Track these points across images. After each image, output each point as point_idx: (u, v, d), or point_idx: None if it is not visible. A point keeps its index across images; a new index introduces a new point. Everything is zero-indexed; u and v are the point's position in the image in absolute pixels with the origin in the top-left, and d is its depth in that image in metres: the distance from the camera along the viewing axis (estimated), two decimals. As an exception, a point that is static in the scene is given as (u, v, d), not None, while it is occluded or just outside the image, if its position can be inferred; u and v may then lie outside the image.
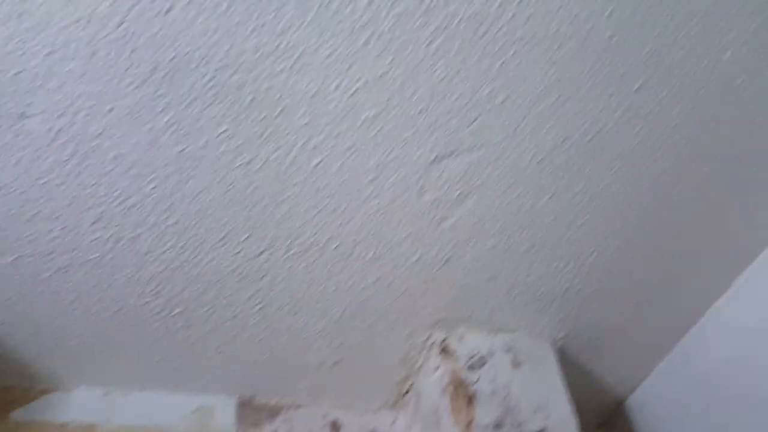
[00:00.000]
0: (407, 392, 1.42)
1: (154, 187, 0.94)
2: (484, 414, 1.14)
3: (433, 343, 1.29)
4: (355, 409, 1.44)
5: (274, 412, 1.37)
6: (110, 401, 1.29)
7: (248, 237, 1.01)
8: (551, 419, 1.17)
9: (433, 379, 1.27)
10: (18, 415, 1.22)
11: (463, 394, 1.17)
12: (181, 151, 0.89)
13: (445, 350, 1.25)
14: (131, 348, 1.22)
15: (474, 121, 0.93)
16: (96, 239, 0.99)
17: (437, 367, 1.26)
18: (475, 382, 1.19)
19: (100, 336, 1.16)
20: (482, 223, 1.09)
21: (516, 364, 1.26)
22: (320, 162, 0.93)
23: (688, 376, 1.40)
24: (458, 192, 1.03)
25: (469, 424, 1.12)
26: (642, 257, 1.20)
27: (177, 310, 1.14)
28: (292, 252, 1.05)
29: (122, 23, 0.76)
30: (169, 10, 0.76)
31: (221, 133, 0.88)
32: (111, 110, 0.85)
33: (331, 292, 1.15)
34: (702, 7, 0.83)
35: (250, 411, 1.36)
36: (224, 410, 1.34)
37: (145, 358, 1.24)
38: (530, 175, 1.03)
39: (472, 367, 1.22)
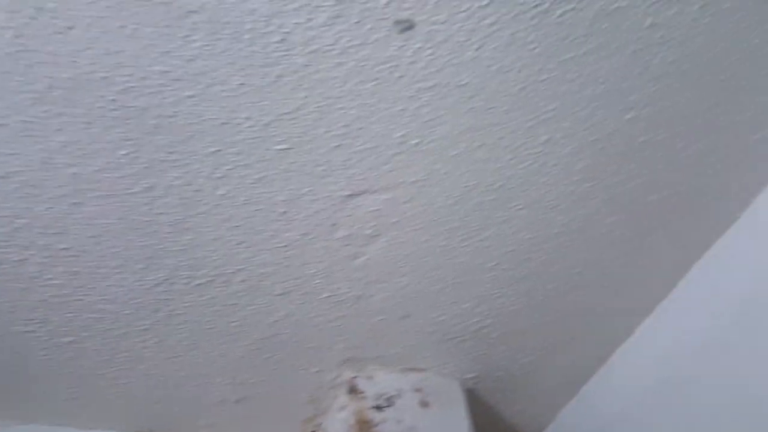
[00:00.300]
0: None
1: (46, 209, 0.88)
2: (388, 456, 1.12)
3: (341, 382, 1.27)
4: (259, 448, 1.39)
5: (170, 451, 1.30)
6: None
7: (146, 266, 0.96)
8: (455, 462, 1.17)
9: (338, 419, 1.24)
10: None
11: (367, 436, 1.14)
12: (76, 173, 0.84)
13: (353, 389, 1.23)
14: (14, 378, 1.12)
15: (388, 162, 0.94)
16: (-24, 260, 0.92)
17: (344, 407, 1.23)
18: (381, 423, 1.17)
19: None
20: (395, 262, 1.09)
21: (424, 404, 1.25)
22: (227, 192, 0.90)
23: (591, 421, 1.44)
24: (371, 230, 1.03)
25: (371, 467, 1.10)
26: (547, 303, 1.23)
27: (66, 339, 1.07)
28: (194, 284, 1.01)
29: (18, 37, 0.72)
30: (70, 28, 0.72)
31: (121, 156, 0.83)
32: (2, 126, 0.79)
33: (235, 327, 1.11)
34: (607, 68, 0.88)
35: (143, 449, 1.28)
36: (116, 447, 1.26)
37: (30, 390, 1.15)
38: (443, 217, 1.03)
39: (379, 407, 1.20)
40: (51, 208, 0.88)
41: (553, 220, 1.07)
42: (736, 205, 1.13)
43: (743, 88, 0.94)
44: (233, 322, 1.09)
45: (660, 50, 0.86)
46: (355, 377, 1.24)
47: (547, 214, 1.05)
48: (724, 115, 0.98)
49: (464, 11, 0.77)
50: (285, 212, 0.96)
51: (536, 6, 0.78)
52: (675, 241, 1.17)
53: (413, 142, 0.92)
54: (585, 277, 1.19)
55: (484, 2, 0.77)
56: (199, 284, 1.01)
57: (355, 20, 0.76)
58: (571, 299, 1.24)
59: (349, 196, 0.97)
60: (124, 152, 0.83)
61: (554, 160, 0.97)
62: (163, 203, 0.89)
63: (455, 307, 1.19)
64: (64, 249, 0.93)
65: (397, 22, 0.78)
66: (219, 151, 0.86)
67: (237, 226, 0.95)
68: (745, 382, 1.12)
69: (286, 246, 1.01)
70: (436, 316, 1.20)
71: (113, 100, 0.78)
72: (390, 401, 1.22)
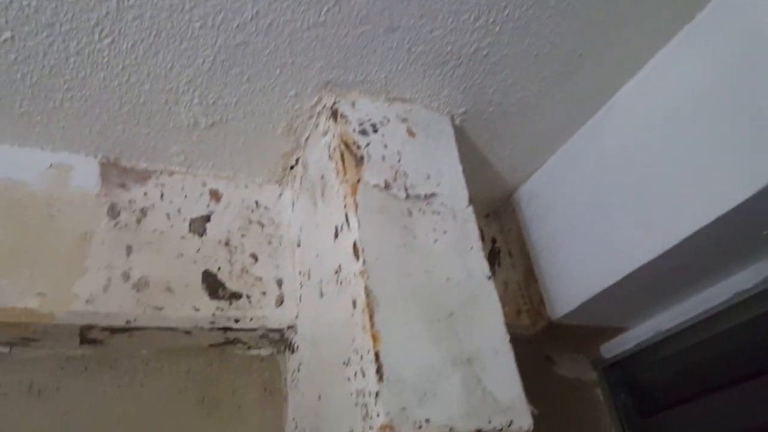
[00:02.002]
0: (294, 166, 1.32)
1: None
2: (373, 175, 1.06)
3: (323, 108, 1.17)
4: (237, 181, 1.34)
5: (143, 177, 1.24)
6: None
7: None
8: (442, 187, 1.13)
9: (321, 144, 1.17)
10: None
11: (351, 156, 1.08)
12: None
13: (335, 114, 1.14)
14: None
15: None
16: None
17: (326, 131, 1.15)
18: (366, 146, 1.10)
19: None
20: (383, -46, 0.92)
21: (411, 133, 1.17)
22: None
23: (581, 166, 1.39)
24: None
25: (356, 184, 1.05)
26: (558, 20, 1.09)
27: (4, 36, 0.93)
28: (142, -42, 0.84)
29: None
30: None
31: None
32: None
33: (197, 29, 0.96)
34: None
35: (116, 172, 1.22)
36: (85, 169, 1.19)
37: (-22, 105, 1.04)
38: None
39: (363, 132, 1.12)
40: None
41: None
42: None
43: None
44: (193, 21, 0.95)
45: None
46: (336, 102, 1.14)
47: None
48: None
49: None
50: None
51: None
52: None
53: None
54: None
55: None
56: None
57: None
58: (585, 18, 1.10)
59: None
60: None
61: None
62: None
63: (452, 20, 1.05)
64: None
65: None
66: None
67: None
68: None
69: None
70: (429, 31, 1.07)
71: None
72: (375, 128, 1.14)
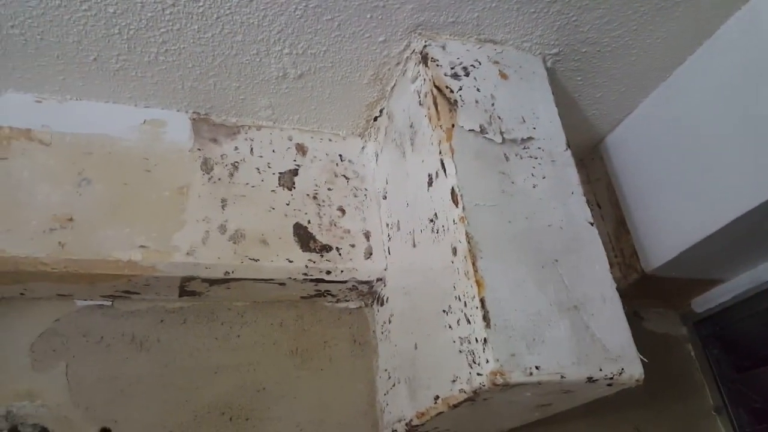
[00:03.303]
0: (378, 117, 1.30)
1: None
2: (467, 119, 1.03)
3: (411, 53, 1.14)
4: (321, 135, 1.33)
5: (233, 131, 1.25)
6: (45, 108, 1.14)
7: None
8: (538, 131, 1.08)
9: (410, 91, 1.14)
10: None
11: (444, 100, 1.05)
12: None
13: (425, 58, 1.10)
14: (59, 46, 1.03)
15: None
16: None
17: (416, 77, 1.12)
18: (459, 90, 1.07)
19: (23, 31, 0.96)
20: None
21: (503, 75, 1.13)
22: None
23: (675, 111, 1.31)
24: None
25: (450, 129, 1.02)
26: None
27: (103, -8, 0.93)
28: None
29: None
30: None
31: None
32: None
33: (292, -27, 0.94)
34: None
35: (207, 127, 1.23)
36: (177, 124, 1.21)
37: (79, 58, 1.06)
38: None
39: (455, 76, 1.09)
40: None
41: None
42: None
43: None
44: (289, -36, 0.93)
45: None
46: (426, 46, 1.10)
47: None
48: None
49: None
50: None
51: None
52: None
53: None
54: None
55: None
56: None
57: None
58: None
59: None
60: None
61: None
62: None
63: (549, -49, 0.99)
64: None
65: None
66: None
67: None
68: None
69: None
70: (525, -35, 1.01)
71: None
72: (466, 71, 1.10)
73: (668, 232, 1.33)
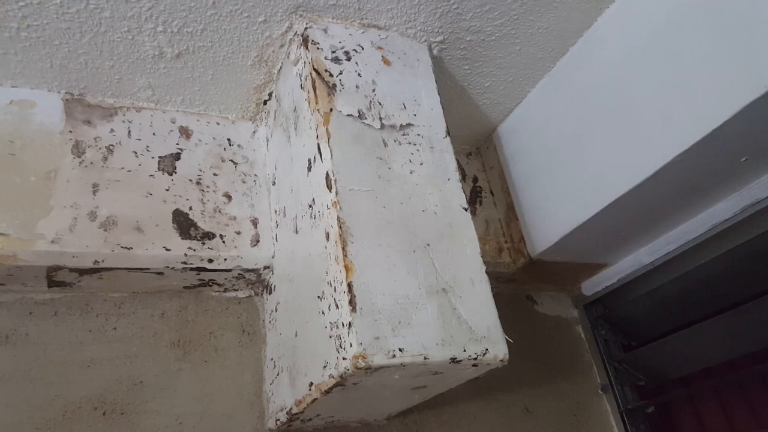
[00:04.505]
0: (267, 101, 1.27)
1: None
2: (346, 104, 1.02)
3: (294, 35, 1.12)
4: (208, 118, 1.29)
5: (109, 113, 1.19)
6: None
7: None
8: (419, 117, 1.09)
9: (293, 74, 1.12)
10: None
11: (323, 84, 1.03)
12: None
13: (305, 41, 1.08)
14: None
15: None
16: None
17: (297, 60, 1.10)
18: (339, 74, 1.06)
19: None
20: None
21: (386, 62, 1.13)
22: None
23: (561, 99, 1.35)
24: None
25: (328, 113, 1.00)
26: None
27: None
28: None
29: None
30: None
31: None
32: None
33: (155, -57, 0.90)
34: None
35: (81, 108, 1.17)
36: (48, 105, 1.14)
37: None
38: None
39: (336, 60, 1.08)
40: None
41: None
42: None
43: None
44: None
45: None
46: (307, 28, 1.09)
47: None
48: None
49: None
50: None
51: None
52: None
53: None
54: None
55: None
56: None
57: None
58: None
59: None
60: None
61: None
62: None
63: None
64: None
65: None
66: None
67: None
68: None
69: None
70: (402, -51, 1.01)
71: None
72: (348, 55, 1.09)
73: (551, 218, 1.37)
